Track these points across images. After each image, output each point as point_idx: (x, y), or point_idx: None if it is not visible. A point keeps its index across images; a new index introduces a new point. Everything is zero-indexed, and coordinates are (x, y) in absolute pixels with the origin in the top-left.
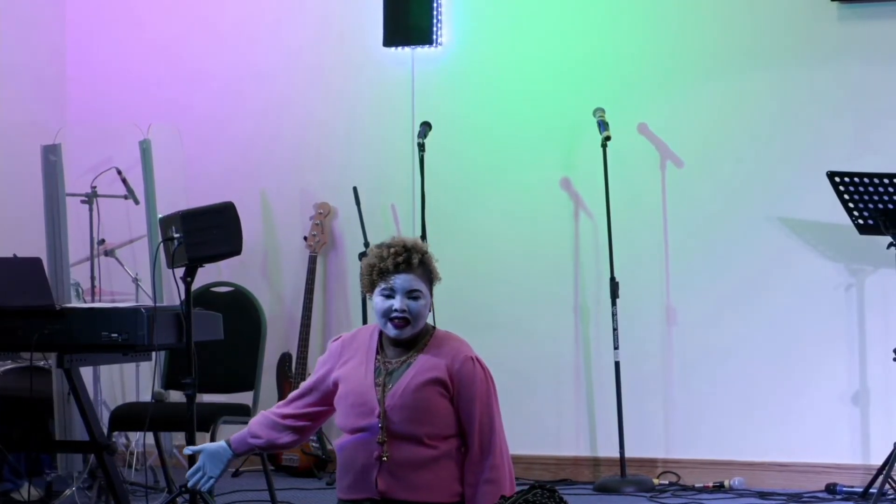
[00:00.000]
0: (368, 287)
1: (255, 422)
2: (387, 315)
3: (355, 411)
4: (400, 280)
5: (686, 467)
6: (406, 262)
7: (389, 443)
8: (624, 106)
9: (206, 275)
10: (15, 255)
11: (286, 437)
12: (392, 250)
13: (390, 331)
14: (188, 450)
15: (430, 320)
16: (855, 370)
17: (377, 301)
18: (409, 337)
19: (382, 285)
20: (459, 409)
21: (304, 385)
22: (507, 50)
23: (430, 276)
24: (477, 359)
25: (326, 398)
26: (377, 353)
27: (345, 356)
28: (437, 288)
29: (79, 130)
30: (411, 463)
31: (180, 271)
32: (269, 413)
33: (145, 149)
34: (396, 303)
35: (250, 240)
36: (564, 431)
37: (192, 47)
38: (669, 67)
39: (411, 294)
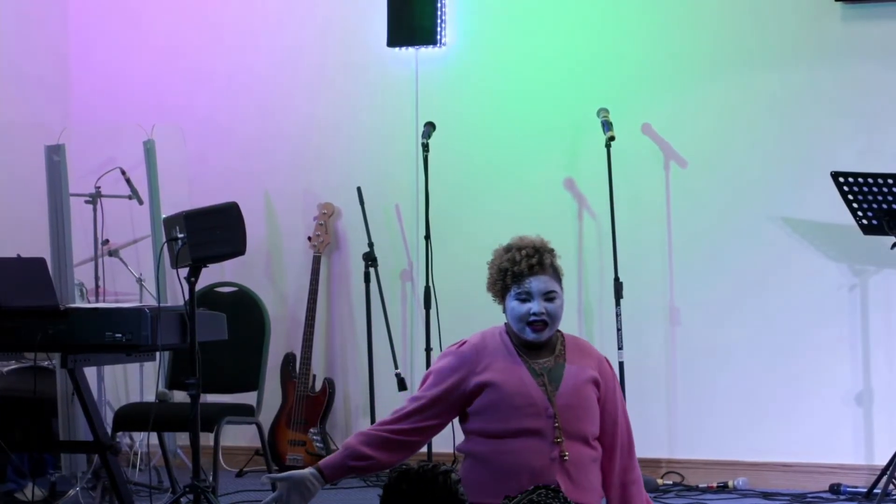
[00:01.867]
0: (500, 292)
1: (355, 443)
2: (524, 319)
3: (524, 412)
4: (535, 283)
5: (690, 467)
6: (539, 263)
7: (565, 443)
8: (627, 106)
9: (210, 275)
10: (19, 255)
11: (398, 455)
12: (524, 252)
13: (529, 335)
14: (268, 477)
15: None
16: (858, 371)
17: (513, 305)
18: (547, 339)
19: (517, 289)
20: (605, 409)
21: (424, 398)
22: (510, 50)
23: (559, 275)
24: (607, 359)
25: (452, 409)
26: (520, 356)
27: (482, 361)
28: (439, 288)
29: (82, 130)
30: (582, 463)
31: (184, 271)
32: (376, 431)
33: (149, 149)
34: (534, 306)
35: (254, 240)
36: None
37: (195, 47)
38: (673, 67)
39: (548, 296)
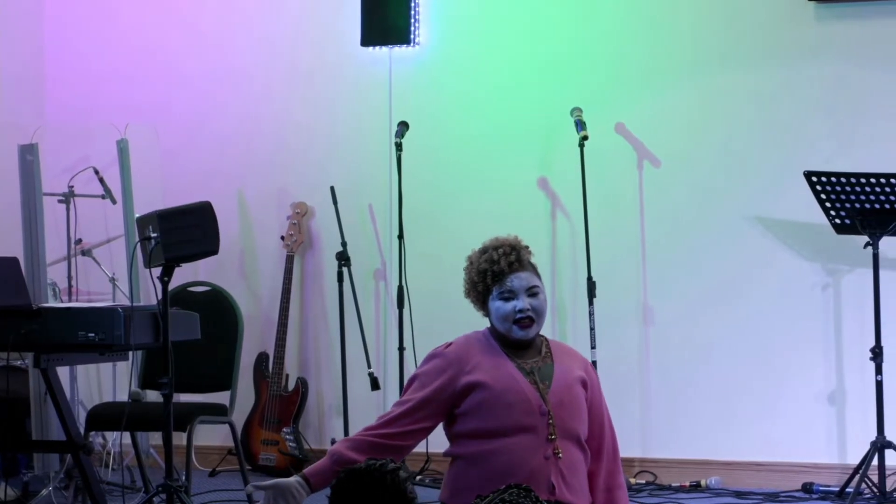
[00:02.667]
0: (481, 295)
1: (343, 448)
2: (510, 318)
3: (518, 409)
4: (517, 280)
5: (663, 467)
6: (518, 260)
7: (559, 441)
8: (601, 105)
9: (183, 274)
10: None
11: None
12: (501, 251)
13: (516, 333)
14: (254, 486)
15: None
16: (832, 370)
17: (497, 305)
18: (534, 337)
19: (499, 289)
20: (592, 411)
21: (412, 401)
22: (484, 50)
23: (537, 271)
24: (591, 363)
25: (441, 411)
26: (506, 355)
27: (470, 362)
28: (412, 287)
29: (56, 130)
30: (574, 464)
31: (157, 271)
32: (363, 436)
33: (122, 148)
34: (519, 303)
35: (227, 239)
36: None
37: (169, 47)
38: (646, 67)
39: (531, 291)
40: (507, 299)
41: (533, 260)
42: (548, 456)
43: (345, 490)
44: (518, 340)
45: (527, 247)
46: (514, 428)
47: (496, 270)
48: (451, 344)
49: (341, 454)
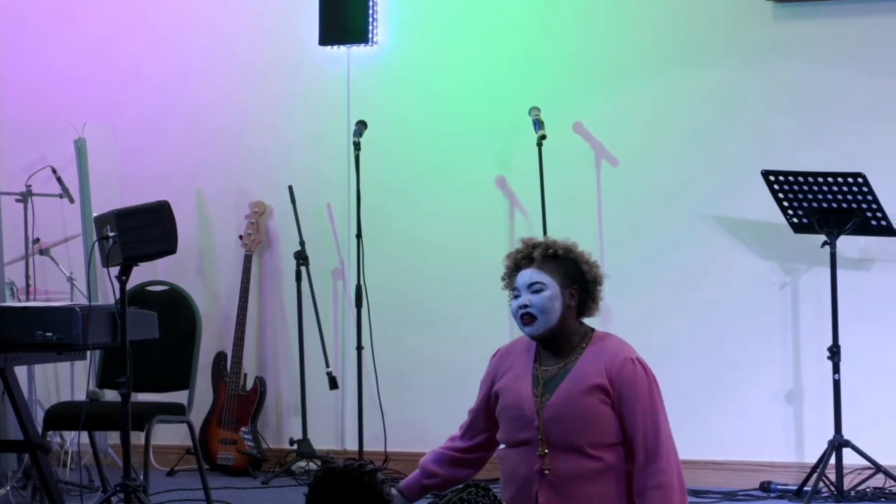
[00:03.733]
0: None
1: (428, 461)
2: (516, 315)
3: (515, 424)
4: (521, 277)
5: None
6: (527, 257)
7: (551, 455)
8: (559, 105)
9: (141, 274)
10: None
11: (465, 472)
12: (517, 249)
13: (523, 330)
14: None
15: (593, 321)
16: (789, 369)
17: (511, 304)
18: (543, 333)
19: (512, 289)
20: (622, 414)
21: (473, 411)
22: (442, 49)
23: (565, 269)
24: (638, 360)
25: (493, 416)
26: (535, 361)
27: (503, 368)
28: (370, 286)
29: (13, 129)
30: (574, 476)
31: (115, 270)
32: (444, 450)
33: (80, 147)
34: (521, 299)
35: (186, 239)
36: None
37: (127, 45)
38: (605, 66)
39: (532, 287)
40: (515, 297)
41: (576, 253)
42: (537, 469)
43: (322, 489)
44: (539, 341)
45: (561, 247)
46: (513, 440)
47: (508, 267)
48: (500, 349)
49: (426, 467)
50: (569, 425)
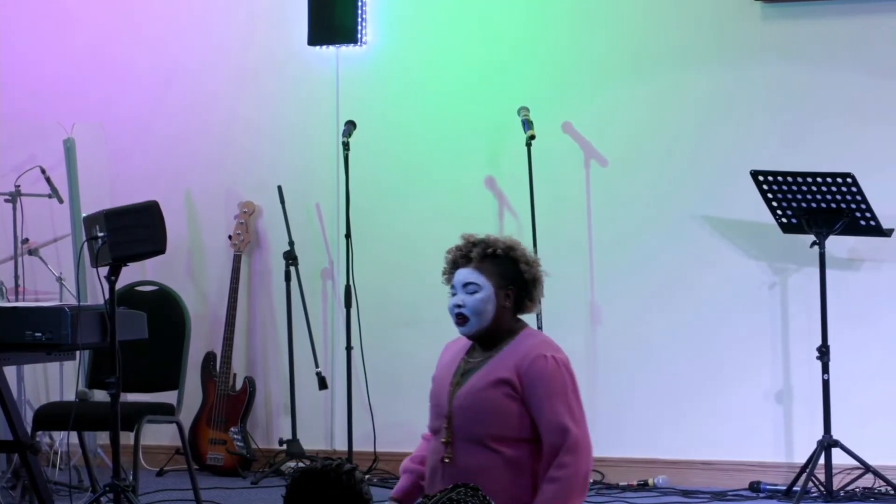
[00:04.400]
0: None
1: (411, 463)
2: (451, 312)
3: (434, 412)
4: (457, 275)
5: (610, 465)
6: (464, 256)
7: (453, 444)
8: (548, 105)
9: (131, 274)
10: None
11: None
12: (457, 246)
13: (458, 329)
14: None
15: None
16: (779, 369)
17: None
18: (476, 333)
19: (449, 283)
20: (530, 408)
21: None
22: (431, 49)
23: (502, 270)
24: (551, 356)
25: None
26: (466, 354)
27: (443, 359)
28: (359, 287)
29: (2, 128)
30: (473, 467)
31: (104, 270)
32: (419, 452)
33: (69, 147)
34: (455, 299)
35: (175, 239)
36: None
37: (116, 45)
38: (593, 67)
39: (467, 288)
40: (452, 294)
41: (516, 254)
42: (440, 458)
43: (300, 490)
44: (471, 337)
45: (501, 246)
46: (432, 427)
47: (447, 264)
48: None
49: (410, 467)
50: (471, 416)
